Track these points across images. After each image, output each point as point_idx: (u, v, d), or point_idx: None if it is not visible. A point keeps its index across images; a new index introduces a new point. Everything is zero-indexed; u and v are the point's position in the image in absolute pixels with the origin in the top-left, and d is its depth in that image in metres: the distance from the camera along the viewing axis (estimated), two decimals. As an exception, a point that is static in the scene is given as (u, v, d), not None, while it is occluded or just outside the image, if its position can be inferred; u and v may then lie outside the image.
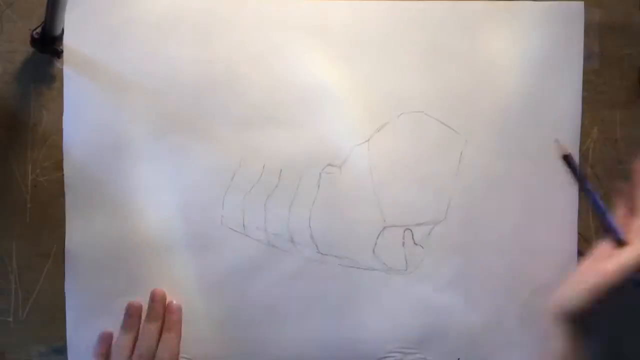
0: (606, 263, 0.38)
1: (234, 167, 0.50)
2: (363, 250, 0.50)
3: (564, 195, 0.51)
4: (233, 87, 0.50)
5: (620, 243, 0.39)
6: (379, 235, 0.51)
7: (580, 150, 0.51)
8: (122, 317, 0.49)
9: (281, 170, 0.50)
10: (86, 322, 0.50)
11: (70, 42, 0.50)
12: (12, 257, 0.51)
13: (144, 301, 0.50)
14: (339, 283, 0.50)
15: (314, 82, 0.51)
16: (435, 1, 0.51)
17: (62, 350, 0.50)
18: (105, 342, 0.49)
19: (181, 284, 0.50)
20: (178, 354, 0.49)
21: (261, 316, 0.50)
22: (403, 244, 0.51)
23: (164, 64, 0.50)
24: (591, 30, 0.52)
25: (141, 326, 0.49)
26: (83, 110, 0.50)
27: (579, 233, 0.51)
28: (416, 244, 0.51)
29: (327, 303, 0.50)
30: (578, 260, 0.51)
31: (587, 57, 0.52)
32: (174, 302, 0.50)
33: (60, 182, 0.50)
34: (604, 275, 0.38)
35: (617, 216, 0.41)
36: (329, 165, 0.50)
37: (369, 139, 0.51)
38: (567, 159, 0.43)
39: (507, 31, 0.51)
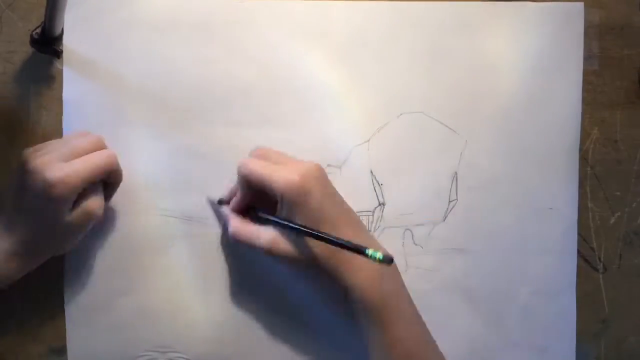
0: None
1: (234, 168, 0.50)
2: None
3: (564, 195, 0.51)
4: (233, 87, 0.50)
5: None
6: (378, 235, 0.50)
7: (580, 150, 0.51)
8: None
9: (281, 170, 0.50)
10: (86, 322, 0.49)
11: (70, 42, 0.50)
12: (11, 257, 0.50)
13: (141, 301, 0.50)
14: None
15: (314, 82, 0.51)
16: (435, 2, 0.51)
17: (62, 350, 0.50)
18: None
19: (181, 284, 0.50)
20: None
21: (261, 316, 0.50)
22: (403, 244, 0.51)
23: (164, 64, 0.50)
24: (591, 30, 0.52)
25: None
26: (83, 111, 0.50)
27: (579, 233, 0.51)
28: (416, 244, 0.51)
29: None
30: (578, 260, 0.51)
31: (587, 57, 0.52)
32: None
33: (60, 182, 0.50)
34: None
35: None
36: (329, 165, 0.50)
37: (369, 139, 0.51)
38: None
39: (507, 31, 0.51)
